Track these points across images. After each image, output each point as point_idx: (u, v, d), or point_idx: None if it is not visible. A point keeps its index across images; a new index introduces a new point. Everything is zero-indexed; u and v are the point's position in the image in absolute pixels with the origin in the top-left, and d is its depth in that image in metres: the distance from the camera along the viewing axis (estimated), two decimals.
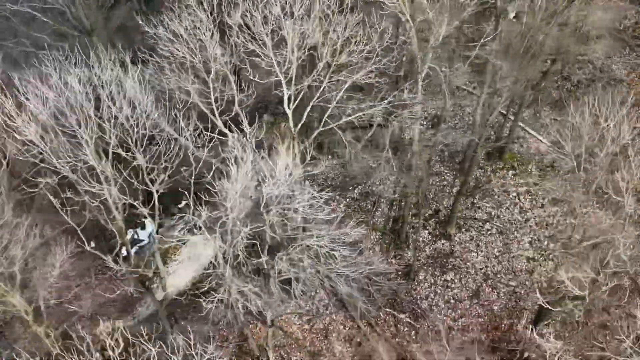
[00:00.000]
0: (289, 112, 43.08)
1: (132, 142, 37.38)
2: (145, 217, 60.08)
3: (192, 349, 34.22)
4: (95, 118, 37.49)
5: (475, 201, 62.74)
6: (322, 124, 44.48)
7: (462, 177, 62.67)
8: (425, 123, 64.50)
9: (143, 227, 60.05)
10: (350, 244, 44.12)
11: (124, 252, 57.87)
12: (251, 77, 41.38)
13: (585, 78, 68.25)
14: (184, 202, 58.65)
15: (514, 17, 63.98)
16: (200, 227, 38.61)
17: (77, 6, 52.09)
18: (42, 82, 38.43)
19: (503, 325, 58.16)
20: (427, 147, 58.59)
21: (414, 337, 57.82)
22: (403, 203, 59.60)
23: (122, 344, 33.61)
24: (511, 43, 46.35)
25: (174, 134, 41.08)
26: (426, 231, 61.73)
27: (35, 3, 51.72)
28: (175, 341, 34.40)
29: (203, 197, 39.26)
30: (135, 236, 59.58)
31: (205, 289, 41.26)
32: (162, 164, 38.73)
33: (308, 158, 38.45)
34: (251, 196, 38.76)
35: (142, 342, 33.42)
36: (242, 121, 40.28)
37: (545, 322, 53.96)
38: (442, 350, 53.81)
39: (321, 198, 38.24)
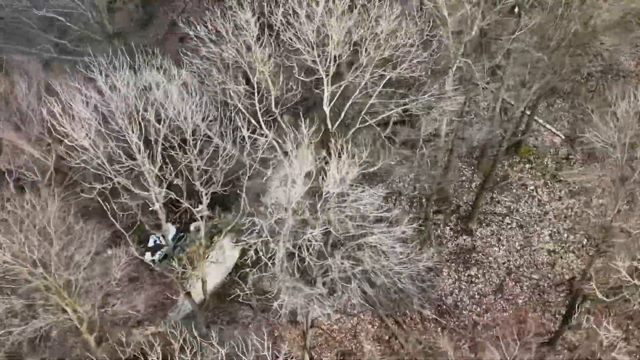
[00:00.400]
0: (327, 110, 42.82)
1: (190, 144, 36.83)
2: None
3: (266, 350, 33.82)
4: (146, 120, 36.89)
5: (494, 196, 62.89)
6: (359, 120, 44.30)
7: (480, 172, 62.92)
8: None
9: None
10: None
11: (147, 257, 57.35)
12: (297, 76, 40.97)
13: (595, 70, 68.60)
14: (200, 206, 58.19)
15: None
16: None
17: (100, 10, 51.18)
18: (86, 86, 37.74)
19: (528, 319, 58.23)
20: (445, 142, 58.43)
21: (440, 334, 57.80)
22: (424, 200, 59.53)
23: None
24: (545, 34, 46.37)
25: (217, 140, 40.52)
26: (447, 227, 61.74)
27: (57, 9, 50.80)
28: (244, 342, 33.96)
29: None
30: (157, 241, 58.84)
31: (274, 294, 40.62)
32: (217, 164, 38.21)
33: (365, 155, 38.15)
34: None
35: (214, 343, 32.99)
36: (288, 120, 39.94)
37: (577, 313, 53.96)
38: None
39: (380, 196, 38.14)
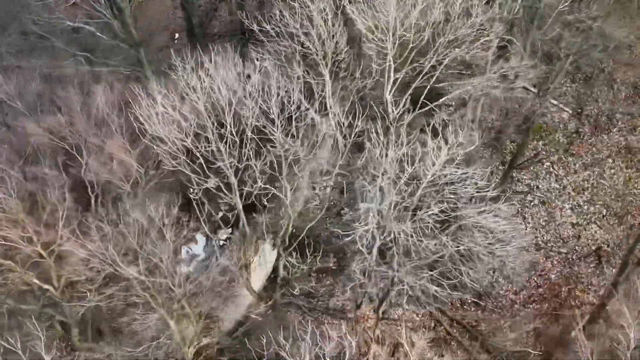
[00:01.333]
0: (389, 97, 42.18)
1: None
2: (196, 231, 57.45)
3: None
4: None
5: (514, 174, 63.34)
6: (419, 104, 43.89)
7: (498, 152, 63.37)
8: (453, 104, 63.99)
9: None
10: None
11: (183, 269, 55.39)
12: (375, 65, 40.21)
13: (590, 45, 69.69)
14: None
15: None
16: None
17: (126, 18, 48.98)
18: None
19: (562, 293, 58.96)
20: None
21: (481, 316, 57.91)
22: None
23: None
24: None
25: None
26: None
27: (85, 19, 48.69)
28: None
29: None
30: (190, 252, 56.89)
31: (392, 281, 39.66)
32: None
33: (461, 137, 37.62)
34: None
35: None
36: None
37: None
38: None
39: (483, 175, 38.03)
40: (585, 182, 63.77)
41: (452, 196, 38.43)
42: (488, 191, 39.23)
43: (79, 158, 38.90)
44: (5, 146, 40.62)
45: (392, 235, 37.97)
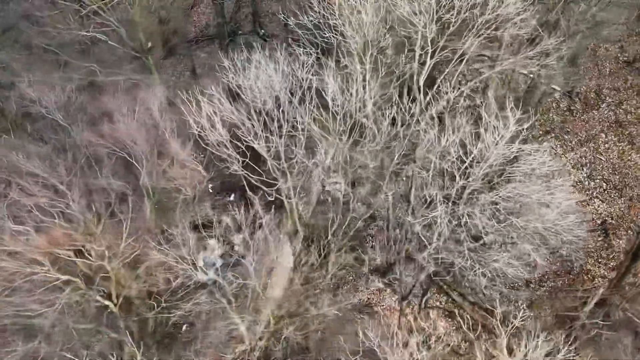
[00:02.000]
0: (421, 84, 41.97)
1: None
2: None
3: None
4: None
5: None
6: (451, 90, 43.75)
7: None
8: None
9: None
10: None
11: (201, 276, 54.13)
12: (416, 50, 39.76)
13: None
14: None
15: None
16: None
17: (135, 26, 47.48)
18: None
19: (575, 268, 59.69)
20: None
21: (499, 297, 58.11)
22: None
23: None
24: None
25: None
26: None
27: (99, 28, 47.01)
28: None
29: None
30: (207, 259, 55.65)
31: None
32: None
33: (517, 114, 37.45)
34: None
35: None
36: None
37: None
38: None
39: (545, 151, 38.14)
40: (583, 158, 64.77)
41: (514, 175, 38.38)
42: (545, 167, 39.17)
43: (137, 166, 37.55)
44: (68, 158, 38.78)
45: (464, 219, 37.71)
